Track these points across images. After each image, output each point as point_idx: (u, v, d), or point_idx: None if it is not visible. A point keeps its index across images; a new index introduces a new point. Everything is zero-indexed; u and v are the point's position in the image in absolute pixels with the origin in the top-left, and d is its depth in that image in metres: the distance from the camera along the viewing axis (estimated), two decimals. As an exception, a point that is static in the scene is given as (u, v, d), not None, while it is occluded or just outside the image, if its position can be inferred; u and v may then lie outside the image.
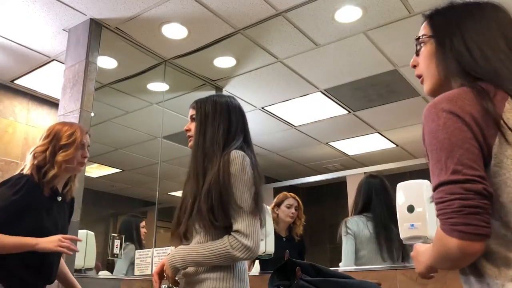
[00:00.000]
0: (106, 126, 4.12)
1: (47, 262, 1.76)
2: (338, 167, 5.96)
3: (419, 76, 1.07)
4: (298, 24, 3.14)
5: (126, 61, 3.69)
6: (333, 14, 3.03)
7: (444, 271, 1.02)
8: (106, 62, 3.58)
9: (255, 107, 4.42)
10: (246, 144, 1.53)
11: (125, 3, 2.94)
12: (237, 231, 1.36)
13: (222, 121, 1.51)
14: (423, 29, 1.05)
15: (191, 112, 1.61)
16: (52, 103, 4.28)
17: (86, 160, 1.87)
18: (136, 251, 3.05)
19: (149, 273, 2.84)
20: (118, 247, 2.95)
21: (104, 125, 4.01)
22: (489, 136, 0.83)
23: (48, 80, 3.98)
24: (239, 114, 1.56)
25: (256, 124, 4.73)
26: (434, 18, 1.04)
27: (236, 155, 1.42)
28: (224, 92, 4.07)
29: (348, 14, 3.02)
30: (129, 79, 3.82)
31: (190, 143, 1.57)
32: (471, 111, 0.83)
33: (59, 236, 1.68)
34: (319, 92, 4.10)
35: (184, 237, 1.50)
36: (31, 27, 3.23)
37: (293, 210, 3.09)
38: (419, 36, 1.05)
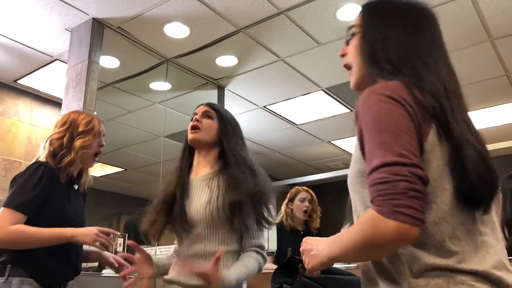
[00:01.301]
0: (109, 125, 4.09)
1: (74, 251, 1.73)
2: (340, 165, 5.96)
3: (347, 67, 1.04)
4: (300, 22, 3.14)
5: (129, 61, 3.70)
6: (335, 13, 3.03)
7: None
8: (109, 62, 3.60)
9: (257, 105, 4.42)
10: None
11: (127, 2, 2.95)
12: (261, 247, 1.45)
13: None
14: (356, 19, 1.02)
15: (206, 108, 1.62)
16: (55, 103, 4.29)
17: (102, 149, 1.84)
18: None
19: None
20: (122, 245, 2.96)
21: (106, 124, 3.97)
22: (424, 133, 0.82)
23: (51, 80, 4.00)
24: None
25: (258, 123, 4.73)
26: (366, 10, 1.01)
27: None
28: (226, 91, 4.08)
29: (350, 12, 3.02)
30: (131, 78, 3.83)
31: (195, 135, 1.56)
32: (410, 103, 0.82)
33: (95, 230, 1.63)
34: (321, 91, 4.10)
35: (157, 238, 1.52)
36: (33, 26, 3.24)
37: (306, 203, 3.06)
38: (351, 26, 1.02)
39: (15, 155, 4.07)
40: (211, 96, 3.97)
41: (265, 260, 1.47)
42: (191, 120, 1.60)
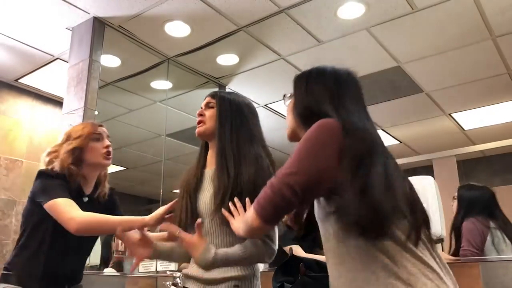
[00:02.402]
0: (110, 124, 4.11)
1: (70, 262, 1.71)
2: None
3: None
4: (301, 21, 3.13)
5: (130, 59, 3.70)
6: (336, 11, 3.03)
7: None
8: (110, 61, 3.60)
9: (258, 104, 4.42)
10: None
11: (128, 1, 2.95)
12: (270, 238, 1.38)
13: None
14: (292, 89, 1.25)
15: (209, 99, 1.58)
16: (56, 102, 4.29)
17: (109, 149, 1.77)
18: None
19: (154, 270, 2.85)
20: (123, 244, 2.96)
21: (107, 123, 3.99)
22: None
23: (52, 79, 4.00)
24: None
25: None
26: (295, 82, 1.24)
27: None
28: (227, 90, 4.08)
29: (351, 11, 3.02)
30: (132, 77, 3.83)
31: (199, 128, 1.53)
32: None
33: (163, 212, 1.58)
34: (322, 89, 4.09)
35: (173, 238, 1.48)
36: (35, 26, 3.24)
37: None
38: (287, 94, 1.28)
39: (17, 154, 4.08)
40: (212, 94, 3.96)
41: (271, 250, 1.39)
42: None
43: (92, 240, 1.83)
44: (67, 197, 1.59)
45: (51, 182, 1.64)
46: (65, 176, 1.67)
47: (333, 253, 1.04)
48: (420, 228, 0.97)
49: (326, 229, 1.05)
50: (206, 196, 1.47)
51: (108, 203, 1.85)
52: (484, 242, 2.35)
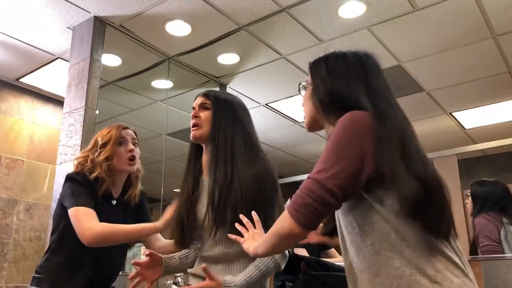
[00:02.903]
0: (111, 124, 4.13)
1: (95, 268, 1.69)
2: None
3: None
4: (302, 20, 3.13)
5: (130, 59, 3.70)
6: (337, 10, 3.02)
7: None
8: (110, 60, 3.60)
9: (259, 103, 4.42)
10: None
11: (129, 0, 2.95)
12: None
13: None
14: (308, 77, 1.21)
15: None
16: (57, 101, 4.30)
17: (132, 154, 1.76)
18: (142, 247, 3.07)
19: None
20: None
21: (108, 123, 3.97)
22: None
23: (53, 78, 4.00)
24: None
25: (260, 120, 4.73)
26: (312, 67, 1.19)
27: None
28: (228, 89, 4.08)
29: (352, 10, 3.01)
30: (133, 76, 3.83)
31: (195, 132, 1.47)
32: None
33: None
34: (323, 88, 4.09)
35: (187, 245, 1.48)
36: (35, 25, 3.24)
37: None
38: (301, 83, 1.25)
39: (18, 153, 4.08)
40: (213, 94, 3.95)
41: (283, 256, 1.36)
42: (192, 113, 1.52)
43: (125, 244, 1.80)
44: (89, 206, 1.60)
45: (77, 188, 1.65)
46: (92, 182, 1.67)
47: (356, 247, 1.00)
48: (452, 222, 0.96)
49: (350, 222, 1.02)
50: (203, 208, 1.40)
51: (137, 206, 1.84)
52: (500, 237, 2.36)
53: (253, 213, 1.25)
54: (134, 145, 1.81)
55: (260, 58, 3.64)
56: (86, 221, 1.55)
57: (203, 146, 1.51)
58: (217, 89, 3.99)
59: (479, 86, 4.07)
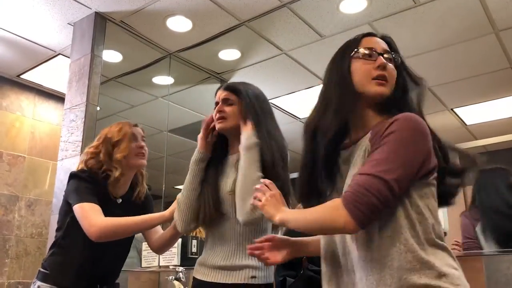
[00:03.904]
0: (112, 120, 4.11)
1: (101, 265, 1.71)
2: (344, 159, 5.94)
3: (383, 77, 1.13)
4: (303, 15, 3.12)
5: (131, 55, 3.69)
6: (338, 5, 3.01)
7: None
8: (111, 56, 3.59)
9: (260, 99, 4.41)
10: None
11: (130, -4, 2.94)
12: None
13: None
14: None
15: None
16: (58, 97, 4.30)
17: (142, 150, 1.78)
18: (143, 243, 3.07)
19: (156, 265, 2.86)
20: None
21: (109, 119, 4.02)
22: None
23: (54, 74, 4.00)
24: None
25: (261, 116, 4.72)
26: (391, 42, 1.19)
27: None
28: (229, 85, 4.07)
29: (353, 5, 3.00)
30: (134, 72, 3.82)
31: (222, 124, 1.53)
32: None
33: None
34: (324, 84, 4.08)
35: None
36: (36, 21, 3.24)
37: None
38: (389, 51, 1.16)
39: (19, 150, 4.08)
40: (214, 90, 3.95)
41: None
42: (215, 106, 1.57)
43: (128, 241, 1.80)
44: (94, 202, 1.61)
45: (82, 184, 1.65)
46: (97, 179, 1.68)
47: (369, 235, 1.00)
48: None
49: None
50: (227, 183, 1.46)
51: (143, 204, 1.84)
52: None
53: (264, 180, 1.24)
54: (144, 141, 1.83)
55: (261, 54, 3.63)
56: (92, 217, 1.56)
57: (228, 137, 1.57)
58: (218, 85, 3.97)
59: (481, 81, 4.06)
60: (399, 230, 0.95)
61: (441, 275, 0.92)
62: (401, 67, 1.13)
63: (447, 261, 0.96)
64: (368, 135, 1.05)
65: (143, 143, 1.80)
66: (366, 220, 0.93)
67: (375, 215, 0.93)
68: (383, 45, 1.14)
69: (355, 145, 1.09)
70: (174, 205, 1.58)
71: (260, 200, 1.16)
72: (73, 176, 1.70)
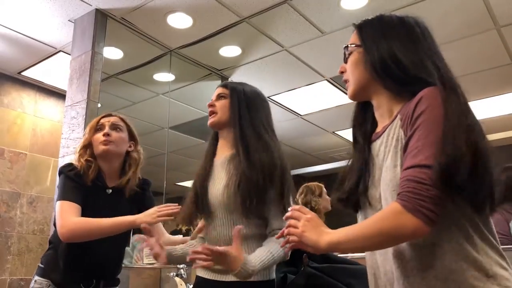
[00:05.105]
0: (113, 117, 4.13)
1: (94, 262, 1.72)
2: (345, 156, 5.95)
3: (346, 81, 1.12)
4: (304, 11, 3.12)
5: (132, 52, 3.69)
6: (339, 1, 3.01)
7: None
8: (112, 53, 3.59)
9: (261, 96, 4.41)
10: None
11: (130, -7, 2.94)
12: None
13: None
14: (352, 39, 1.12)
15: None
16: (59, 94, 4.30)
17: (107, 137, 1.74)
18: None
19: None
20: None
21: (111, 116, 4.03)
22: None
23: (54, 71, 4.00)
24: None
25: (262, 113, 4.72)
26: (363, 29, 1.10)
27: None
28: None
29: (354, 1, 2.99)
30: (135, 69, 3.82)
31: (212, 119, 1.53)
32: None
33: (155, 208, 1.60)
34: (325, 81, 4.08)
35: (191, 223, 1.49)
36: (37, 18, 3.23)
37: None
38: (347, 45, 1.11)
39: (21, 147, 4.09)
40: (215, 87, 3.95)
41: None
42: None
43: (121, 237, 1.74)
44: (73, 201, 1.62)
45: (66, 182, 1.68)
46: (80, 173, 1.69)
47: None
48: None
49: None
50: (217, 186, 1.44)
51: (136, 196, 1.81)
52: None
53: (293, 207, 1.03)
54: (115, 129, 1.79)
55: (262, 50, 3.63)
56: (64, 217, 1.59)
57: (220, 132, 1.56)
58: (219, 82, 3.98)
59: (482, 78, 4.04)
60: (447, 230, 0.88)
61: (489, 276, 0.85)
62: (355, 50, 1.08)
63: (496, 260, 0.87)
64: (397, 121, 0.97)
65: (107, 130, 1.76)
66: (434, 216, 0.82)
67: (440, 207, 0.82)
68: None
69: (383, 134, 1.01)
70: (146, 212, 1.59)
71: (292, 234, 0.95)
72: (59, 172, 1.74)
